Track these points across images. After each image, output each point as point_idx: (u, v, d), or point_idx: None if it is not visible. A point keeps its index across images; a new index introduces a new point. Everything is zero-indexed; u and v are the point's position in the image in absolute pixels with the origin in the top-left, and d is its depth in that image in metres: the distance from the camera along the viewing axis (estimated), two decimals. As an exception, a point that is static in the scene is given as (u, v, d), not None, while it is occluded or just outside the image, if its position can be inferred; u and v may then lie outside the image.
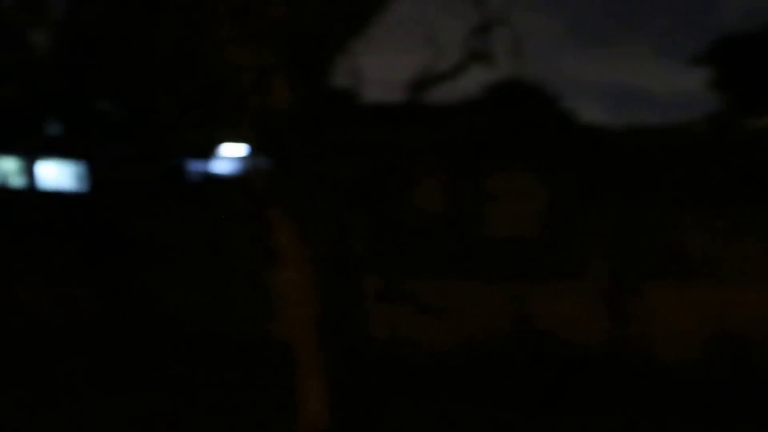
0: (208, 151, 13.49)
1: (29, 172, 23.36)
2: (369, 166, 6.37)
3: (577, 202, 9.53)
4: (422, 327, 8.51)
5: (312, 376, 5.25)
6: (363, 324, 5.64)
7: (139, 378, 7.52)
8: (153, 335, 8.88)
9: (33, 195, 15.23)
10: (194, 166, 13.58)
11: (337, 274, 5.20)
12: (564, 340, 8.37)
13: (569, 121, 11.46)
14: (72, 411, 6.46)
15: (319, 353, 5.19)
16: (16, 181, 26.40)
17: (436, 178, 9.57)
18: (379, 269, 7.56)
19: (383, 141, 8.64)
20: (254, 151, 4.83)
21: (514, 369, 7.83)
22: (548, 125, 10.61)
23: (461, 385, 7.32)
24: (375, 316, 5.59)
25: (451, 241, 8.90)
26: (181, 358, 8.17)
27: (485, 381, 7.38)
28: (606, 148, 9.74)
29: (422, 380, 7.38)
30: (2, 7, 15.60)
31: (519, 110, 11.09)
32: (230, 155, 14.31)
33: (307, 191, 4.82)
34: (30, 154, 22.18)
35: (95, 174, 12.72)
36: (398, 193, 9.21)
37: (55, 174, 28.76)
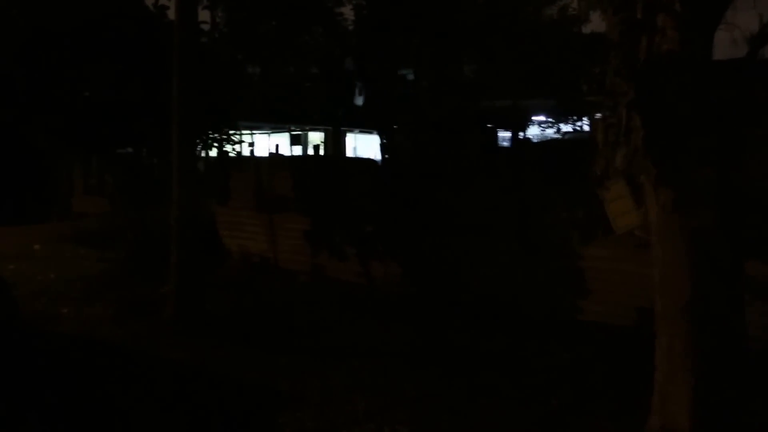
0: (519, 119, 13.04)
1: (336, 143, 25.28)
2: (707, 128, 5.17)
3: None
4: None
5: (676, 372, 4.42)
6: (740, 316, 4.68)
7: (438, 350, 7.22)
8: (450, 307, 8.63)
9: (339, 163, 16.18)
10: (504, 134, 13.28)
11: (715, 255, 4.29)
12: None
13: None
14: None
15: (689, 346, 4.34)
16: (324, 150, 28.88)
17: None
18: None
19: (719, 102, 7.33)
20: (613, 108, 4.10)
21: None
22: None
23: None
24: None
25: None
26: (481, 332, 7.77)
27: None
28: None
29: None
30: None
31: None
32: (545, 122, 13.77)
33: (687, 152, 3.98)
34: (337, 125, 23.95)
35: (398, 143, 12.99)
36: (733, 160, 7.84)
37: (361, 144, 30.92)
